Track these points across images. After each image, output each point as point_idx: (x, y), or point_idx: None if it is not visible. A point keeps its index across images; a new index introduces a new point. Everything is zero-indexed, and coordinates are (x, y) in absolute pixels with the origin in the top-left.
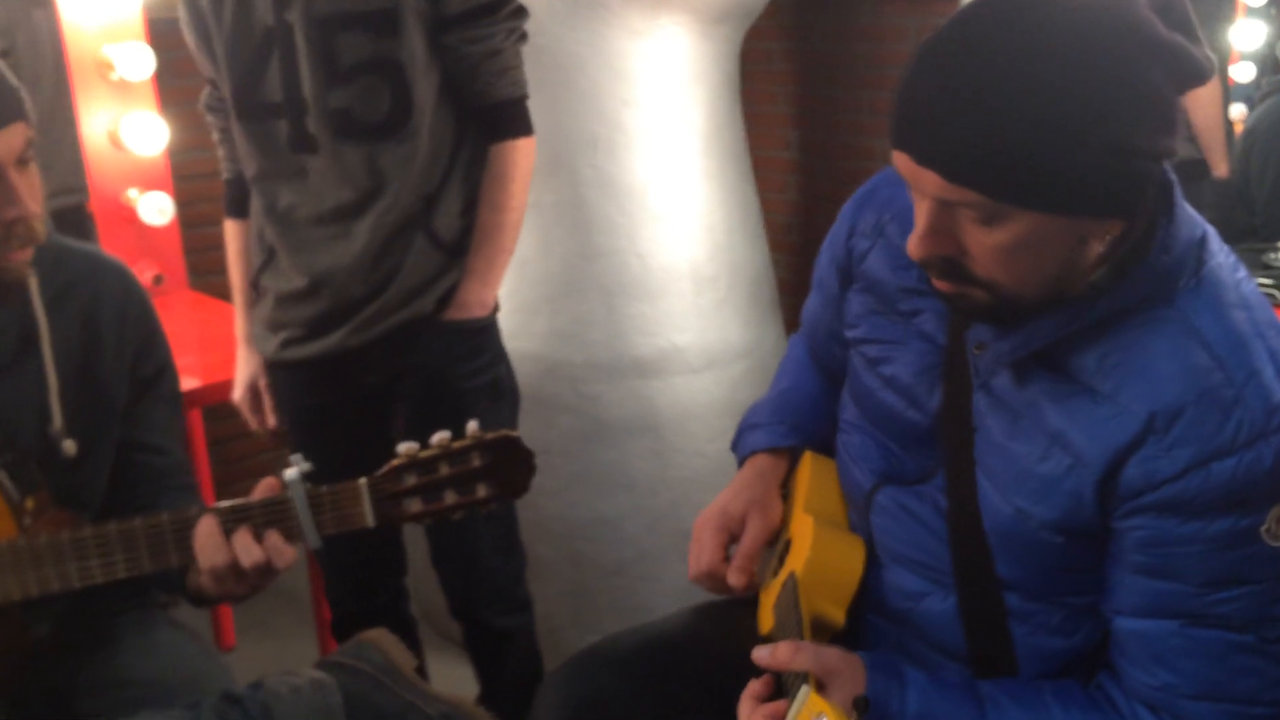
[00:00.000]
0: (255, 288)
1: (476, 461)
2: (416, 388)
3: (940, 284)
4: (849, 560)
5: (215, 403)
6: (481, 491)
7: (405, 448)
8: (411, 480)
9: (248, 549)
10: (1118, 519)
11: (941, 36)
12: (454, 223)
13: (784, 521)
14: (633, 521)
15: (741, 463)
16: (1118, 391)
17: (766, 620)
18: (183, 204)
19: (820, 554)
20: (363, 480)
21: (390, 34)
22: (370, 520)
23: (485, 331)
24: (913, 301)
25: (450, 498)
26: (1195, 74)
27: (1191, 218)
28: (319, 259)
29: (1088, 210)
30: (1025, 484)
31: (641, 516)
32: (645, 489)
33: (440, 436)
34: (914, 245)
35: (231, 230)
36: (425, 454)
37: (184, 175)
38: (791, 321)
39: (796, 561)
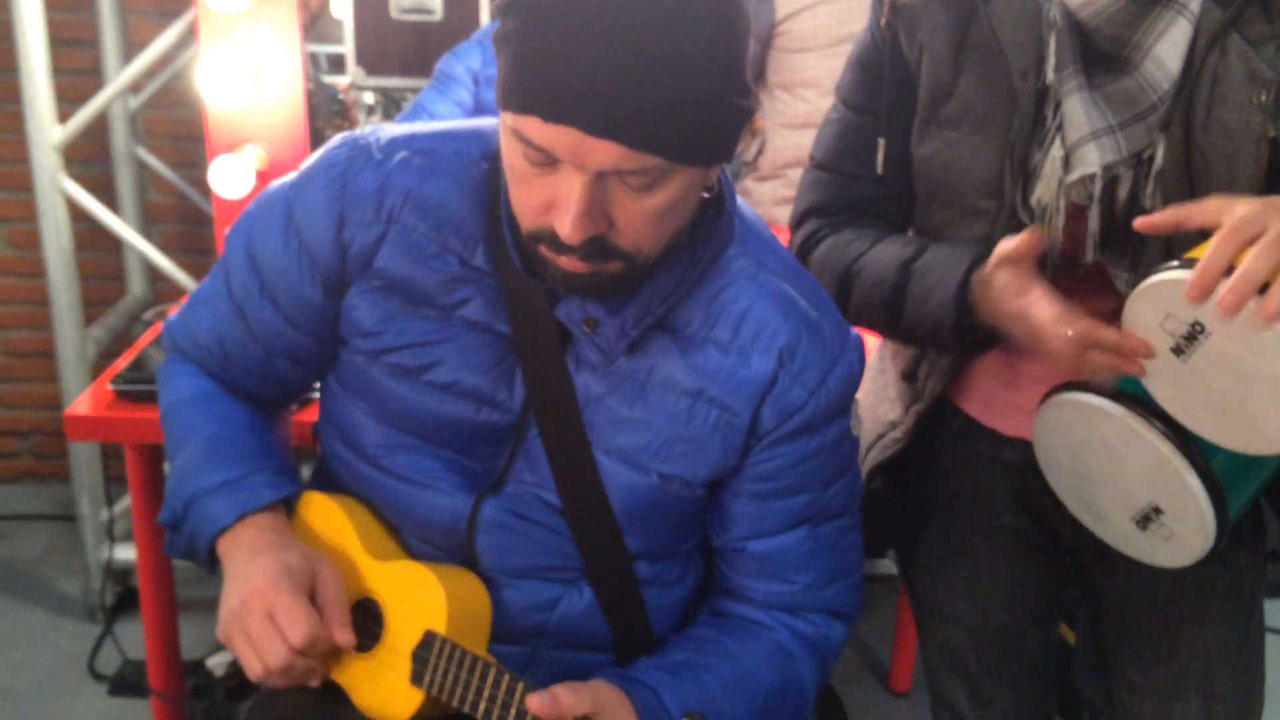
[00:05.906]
0: None
1: None
2: None
3: (576, 265)
4: (479, 596)
5: None
6: None
7: None
8: None
9: None
10: (754, 456)
11: None
12: None
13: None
14: None
15: (213, 539)
16: (736, 338)
17: (400, 701)
18: None
19: (458, 601)
20: None
21: None
22: None
23: None
24: (457, 292)
25: None
26: None
27: None
28: None
29: (723, 157)
30: (673, 449)
31: None
32: None
33: None
34: (573, 229)
35: None
36: None
37: None
38: None
39: (425, 617)
